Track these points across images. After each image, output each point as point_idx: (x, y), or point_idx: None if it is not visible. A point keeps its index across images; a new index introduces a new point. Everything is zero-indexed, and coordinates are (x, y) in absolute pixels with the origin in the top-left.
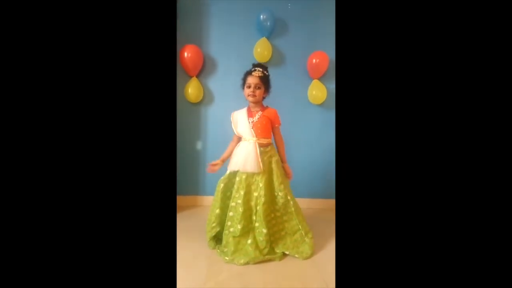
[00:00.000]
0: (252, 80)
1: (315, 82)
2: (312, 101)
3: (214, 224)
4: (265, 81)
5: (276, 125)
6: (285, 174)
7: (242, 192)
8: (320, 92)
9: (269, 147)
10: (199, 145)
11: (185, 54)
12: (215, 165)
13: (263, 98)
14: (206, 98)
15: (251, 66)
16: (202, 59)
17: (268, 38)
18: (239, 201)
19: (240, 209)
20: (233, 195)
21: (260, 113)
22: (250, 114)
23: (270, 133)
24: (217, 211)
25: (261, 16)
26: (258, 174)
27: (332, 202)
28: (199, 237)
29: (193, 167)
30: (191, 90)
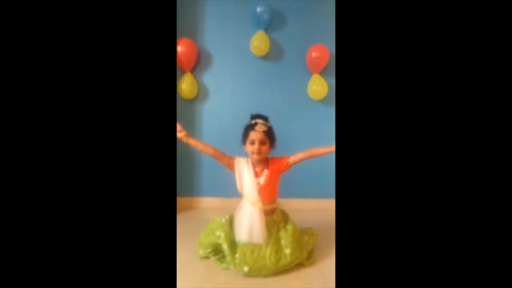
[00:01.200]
0: (256, 135)
1: (315, 76)
2: (312, 97)
3: (208, 250)
4: (270, 135)
5: (287, 160)
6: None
7: (246, 269)
8: (321, 87)
9: (275, 214)
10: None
11: (179, 48)
12: (180, 131)
13: (269, 153)
14: (201, 94)
15: (248, 61)
16: (196, 53)
17: (265, 31)
18: (244, 270)
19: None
20: (235, 262)
21: (266, 172)
22: (256, 173)
23: (277, 192)
24: (210, 241)
25: (258, 8)
26: (266, 246)
27: (333, 202)
28: (196, 239)
29: (188, 167)
30: (185, 86)
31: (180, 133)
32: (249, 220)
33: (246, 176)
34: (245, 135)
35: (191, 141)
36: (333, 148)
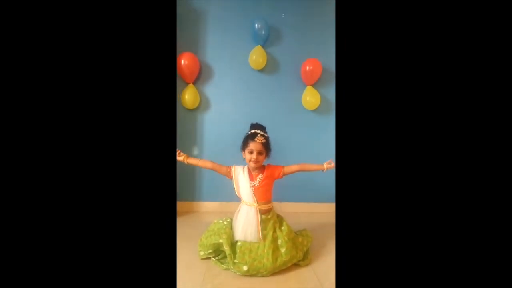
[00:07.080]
0: (255, 146)
1: (309, 88)
2: (306, 107)
3: (210, 251)
4: (267, 146)
5: (282, 169)
6: (327, 167)
7: (245, 269)
8: (314, 98)
9: (271, 214)
10: (195, 151)
11: (182, 61)
12: (180, 155)
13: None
14: (203, 104)
15: (246, 74)
16: (198, 66)
17: (262, 46)
18: (243, 269)
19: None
20: (234, 262)
21: (261, 176)
22: (251, 177)
23: (271, 194)
24: (212, 242)
25: (256, 25)
26: (263, 243)
27: (326, 206)
28: (196, 242)
29: (189, 172)
30: (187, 96)
31: (180, 157)
32: (245, 218)
33: (242, 180)
34: (245, 143)
35: (191, 161)
36: (322, 166)
